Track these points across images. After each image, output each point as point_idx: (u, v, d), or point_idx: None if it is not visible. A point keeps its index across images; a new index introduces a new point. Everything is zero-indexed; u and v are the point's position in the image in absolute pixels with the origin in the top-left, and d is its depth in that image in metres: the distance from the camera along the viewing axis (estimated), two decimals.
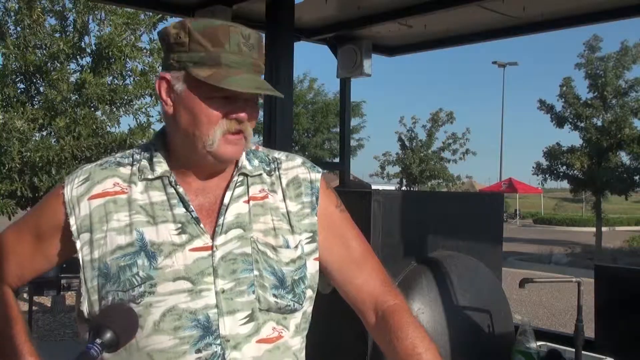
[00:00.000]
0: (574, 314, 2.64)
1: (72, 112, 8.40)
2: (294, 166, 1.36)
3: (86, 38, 9.04)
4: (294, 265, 1.27)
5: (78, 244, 1.22)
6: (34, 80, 8.85)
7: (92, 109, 8.70)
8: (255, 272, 1.22)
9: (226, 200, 1.25)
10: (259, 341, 1.21)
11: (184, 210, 1.23)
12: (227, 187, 1.27)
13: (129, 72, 9.15)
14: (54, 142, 8.35)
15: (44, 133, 8.76)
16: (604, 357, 2.39)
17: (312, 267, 1.31)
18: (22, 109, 8.35)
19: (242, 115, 1.20)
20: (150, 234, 1.20)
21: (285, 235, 1.28)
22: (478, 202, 2.87)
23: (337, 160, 5.29)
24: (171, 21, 10.08)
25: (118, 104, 8.94)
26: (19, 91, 8.73)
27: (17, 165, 7.94)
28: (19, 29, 8.77)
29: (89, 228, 1.22)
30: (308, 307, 1.31)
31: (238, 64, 1.18)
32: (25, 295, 6.75)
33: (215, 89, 1.16)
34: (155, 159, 1.26)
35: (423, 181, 22.68)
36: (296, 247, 1.28)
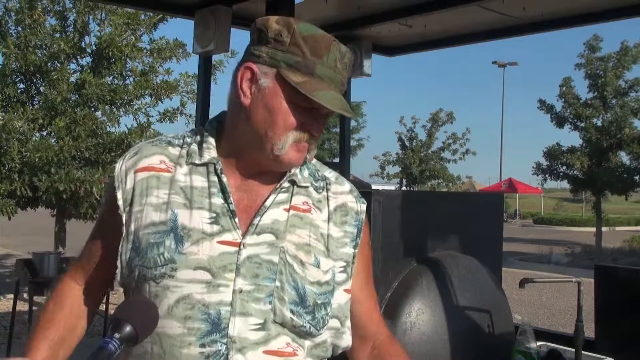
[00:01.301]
0: (574, 314, 2.64)
1: (72, 112, 8.40)
2: (343, 192, 1.34)
3: (86, 38, 9.05)
4: (320, 288, 1.23)
5: (124, 218, 1.22)
6: (34, 80, 8.85)
7: (92, 109, 8.70)
8: (277, 283, 1.18)
9: (268, 202, 1.23)
10: (267, 352, 1.18)
11: (222, 200, 1.21)
12: (271, 190, 1.25)
13: (129, 72, 9.16)
14: (54, 142, 8.35)
15: (44, 133, 8.76)
16: (604, 357, 2.39)
17: (342, 297, 1.28)
18: (22, 109, 8.34)
19: (316, 129, 1.21)
20: (184, 217, 1.19)
21: (318, 255, 1.25)
22: (478, 202, 2.87)
23: (337, 160, 5.28)
24: (172, 21, 9.95)
25: (118, 104, 8.94)
26: (19, 91, 8.73)
27: (17, 165, 7.94)
28: (19, 28, 8.77)
29: (131, 201, 1.23)
30: (330, 337, 1.28)
31: (329, 79, 1.18)
32: (25, 295, 6.76)
33: (302, 97, 1.16)
34: (204, 145, 1.25)
35: (423, 181, 22.69)
36: (327, 271, 1.25)
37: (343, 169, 4.52)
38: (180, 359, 1.15)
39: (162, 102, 9.12)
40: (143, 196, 1.22)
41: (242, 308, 1.16)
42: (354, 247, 1.31)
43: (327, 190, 1.32)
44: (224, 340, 1.15)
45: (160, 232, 1.19)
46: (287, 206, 1.25)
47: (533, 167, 19.67)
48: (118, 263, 1.23)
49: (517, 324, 2.51)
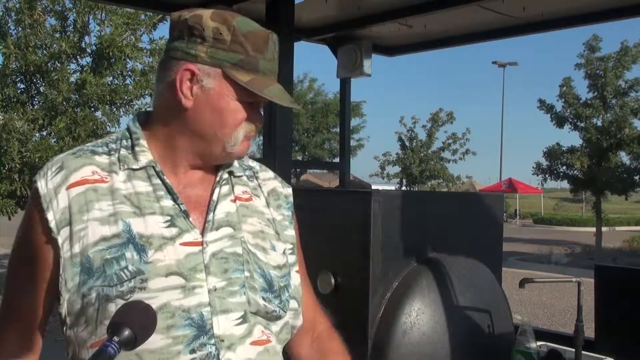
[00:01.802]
0: (574, 314, 2.64)
1: (72, 113, 8.40)
2: (270, 178, 1.39)
3: (86, 38, 9.05)
4: (280, 271, 1.27)
5: (59, 241, 1.12)
6: (34, 80, 8.86)
7: (92, 110, 8.71)
8: (247, 273, 1.19)
9: (215, 197, 1.23)
10: (252, 343, 1.19)
11: (171, 202, 1.18)
12: (213, 184, 1.25)
13: (129, 72, 9.17)
14: (54, 142, 8.35)
15: (44, 133, 8.76)
16: (604, 357, 2.39)
17: (296, 278, 1.33)
18: (22, 109, 8.35)
19: (260, 120, 1.24)
20: (138, 226, 1.13)
21: (272, 240, 1.28)
22: (478, 202, 2.87)
23: (337, 160, 5.29)
24: None
25: (118, 104, 8.95)
26: (19, 91, 8.73)
27: (17, 165, 7.95)
28: (19, 28, 8.77)
29: (68, 221, 1.12)
30: (291, 319, 1.30)
31: (271, 72, 1.20)
32: None
33: (249, 94, 1.17)
34: (137, 148, 1.20)
35: (423, 181, 22.69)
36: (282, 254, 1.29)
37: (343, 169, 4.52)
38: None
39: None
40: (83, 212, 1.13)
41: (221, 305, 1.15)
42: (293, 229, 1.36)
43: (257, 178, 1.36)
44: (212, 342, 1.13)
45: (116, 246, 1.11)
46: (233, 197, 1.26)
47: (533, 167, 19.68)
48: (63, 292, 1.12)
49: (517, 324, 2.51)
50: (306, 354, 1.43)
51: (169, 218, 1.16)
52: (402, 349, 2.15)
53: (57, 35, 8.82)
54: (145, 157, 1.20)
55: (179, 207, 1.18)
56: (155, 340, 1.09)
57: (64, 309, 1.13)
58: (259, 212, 1.29)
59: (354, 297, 2.24)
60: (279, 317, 1.25)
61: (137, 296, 1.09)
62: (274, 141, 3.38)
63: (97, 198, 1.14)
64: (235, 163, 1.30)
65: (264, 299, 1.21)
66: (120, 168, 1.19)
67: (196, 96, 1.18)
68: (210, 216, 1.20)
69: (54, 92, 8.38)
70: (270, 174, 1.40)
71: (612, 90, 17.85)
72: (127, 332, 0.96)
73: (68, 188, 1.15)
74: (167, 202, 1.18)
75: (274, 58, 1.21)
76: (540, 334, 2.61)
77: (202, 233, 1.18)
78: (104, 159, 1.19)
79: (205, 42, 1.16)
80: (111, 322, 0.97)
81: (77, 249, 1.12)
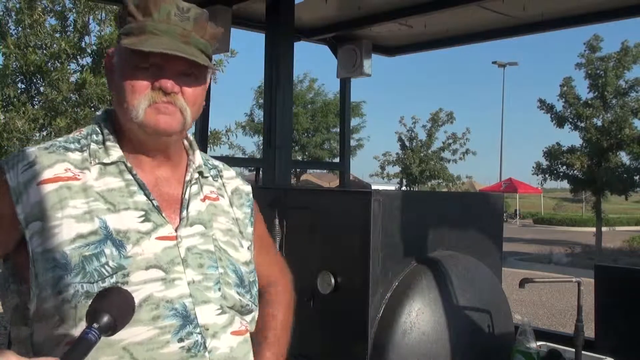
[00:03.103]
0: (574, 314, 2.64)
1: (73, 112, 8.40)
2: (233, 177, 1.42)
3: (86, 38, 9.05)
4: (248, 267, 1.31)
5: (27, 234, 1.12)
6: (34, 80, 8.86)
7: (93, 109, 8.71)
8: (220, 270, 1.23)
9: (186, 195, 1.26)
10: (233, 333, 1.23)
11: (144, 198, 1.20)
12: (184, 183, 1.28)
13: None
14: None
15: (44, 133, 8.77)
16: (604, 357, 2.39)
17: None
18: (22, 109, 8.35)
19: (164, 81, 1.17)
20: (114, 222, 1.15)
21: (238, 238, 1.32)
22: (478, 202, 2.87)
23: (337, 160, 5.29)
24: None
25: None
26: (19, 91, 8.74)
27: None
28: (19, 28, 8.78)
29: (39, 216, 1.13)
30: (256, 312, 1.35)
31: (163, 32, 1.16)
32: None
33: (140, 58, 1.16)
34: (108, 143, 1.23)
35: (423, 181, 22.70)
36: (248, 250, 1.34)
37: (343, 169, 4.52)
38: (162, 359, 1.13)
39: None
40: (57, 210, 1.13)
41: (202, 296, 1.18)
42: (252, 226, 1.40)
43: (221, 177, 1.39)
44: (198, 330, 1.16)
45: (94, 243, 1.12)
46: (202, 197, 1.30)
47: (533, 167, 19.67)
48: (33, 286, 1.12)
49: (517, 324, 2.51)
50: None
51: (143, 213, 1.18)
52: (402, 349, 2.15)
53: (57, 35, 8.83)
54: (116, 151, 1.22)
55: (152, 202, 1.20)
56: (142, 332, 1.11)
57: (32, 305, 1.13)
58: (225, 211, 1.33)
59: (354, 297, 2.24)
60: (251, 311, 1.31)
61: None
62: (274, 141, 3.39)
63: (71, 196, 1.15)
64: (202, 163, 1.33)
65: (238, 293, 1.25)
66: (91, 163, 1.20)
67: (111, 75, 1.24)
68: (184, 213, 1.23)
69: (54, 92, 8.39)
70: (232, 172, 1.43)
71: (613, 90, 17.84)
72: (105, 318, 0.96)
73: (40, 184, 1.15)
74: (140, 198, 1.20)
75: (169, 19, 1.17)
76: (540, 334, 2.61)
77: (176, 229, 1.21)
78: (76, 156, 1.20)
79: (119, 26, 1.23)
80: (89, 310, 0.97)
81: (50, 244, 1.12)
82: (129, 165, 1.22)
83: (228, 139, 10.91)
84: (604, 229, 19.99)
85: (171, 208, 1.23)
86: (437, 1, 3.29)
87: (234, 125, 10.90)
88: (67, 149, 1.21)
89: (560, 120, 18.62)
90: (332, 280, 2.29)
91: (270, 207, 2.50)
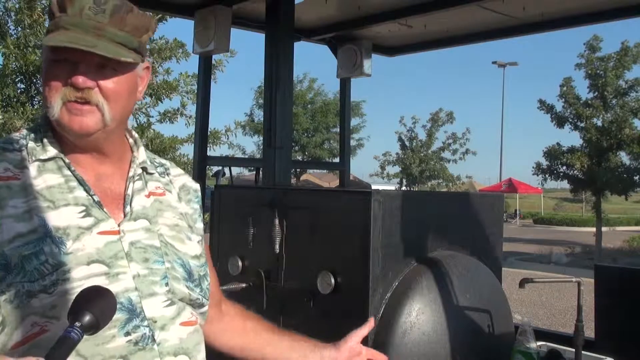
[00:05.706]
0: (574, 314, 2.64)
1: None
2: (180, 174, 1.43)
3: None
4: (198, 261, 1.32)
5: None
6: (34, 80, 8.85)
7: None
8: (167, 264, 1.23)
9: (129, 191, 1.26)
10: (182, 324, 1.24)
11: (85, 193, 1.19)
12: (126, 179, 1.28)
13: None
14: None
15: None
16: (604, 357, 2.39)
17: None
18: (22, 109, 8.35)
19: (75, 77, 1.15)
20: (53, 219, 1.14)
21: (187, 232, 1.33)
22: (478, 202, 2.86)
23: (337, 160, 5.29)
24: (172, 21, 9.94)
25: None
26: (18, 91, 8.73)
27: None
28: (19, 28, 8.77)
29: None
30: (207, 306, 1.36)
31: (73, 26, 1.15)
32: None
33: (55, 54, 1.15)
34: (45, 140, 1.22)
35: (423, 181, 22.72)
36: (198, 245, 1.35)
37: (343, 169, 4.52)
38: (109, 354, 1.12)
39: (162, 102, 9.13)
40: None
41: (148, 290, 1.19)
42: (202, 222, 1.41)
43: (168, 174, 1.40)
44: (145, 323, 1.16)
45: (33, 241, 1.11)
46: (147, 192, 1.30)
47: (533, 167, 19.69)
48: None
49: (517, 324, 2.51)
50: (231, 328, 1.49)
51: (83, 208, 1.18)
52: (402, 349, 2.15)
53: None
54: (54, 148, 1.22)
55: (92, 197, 1.20)
56: None
57: None
58: (172, 207, 1.33)
59: (354, 297, 2.24)
60: (202, 305, 1.31)
61: (62, 288, 1.10)
62: (274, 141, 3.39)
63: (11, 195, 1.14)
64: (147, 160, 1.34)
65: (187, 287, 1.26)
66: (29, 161, 1.19)
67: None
68: (128, 208, 1.24)
69: None
70: (179, 170, 1.45)
71: (613, 90, 17.85)
72: (88, 317, 0.96)
73: None
74: (81, 193, 1.19)
75: (81, 14, 1.15)
76: (540, 334, 2.61)
77: (120, 224, 1.21)
78: (15, 156, 1.20)
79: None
80: (70, 309, 0.97)
81: None
82: (67, 161, 1.21)
83: (228, 138, 10.90)
84: (604, 229, 19.99)
85: (114, 203, 1.23)
86: (437, 1, 3.29)
87: (233, 125, 10.89)
88: (5, 150, 1.21)
89: (560, 121, 18.63)
90: (332, 280, 2.29)
91: (270, 207, 2.50)
